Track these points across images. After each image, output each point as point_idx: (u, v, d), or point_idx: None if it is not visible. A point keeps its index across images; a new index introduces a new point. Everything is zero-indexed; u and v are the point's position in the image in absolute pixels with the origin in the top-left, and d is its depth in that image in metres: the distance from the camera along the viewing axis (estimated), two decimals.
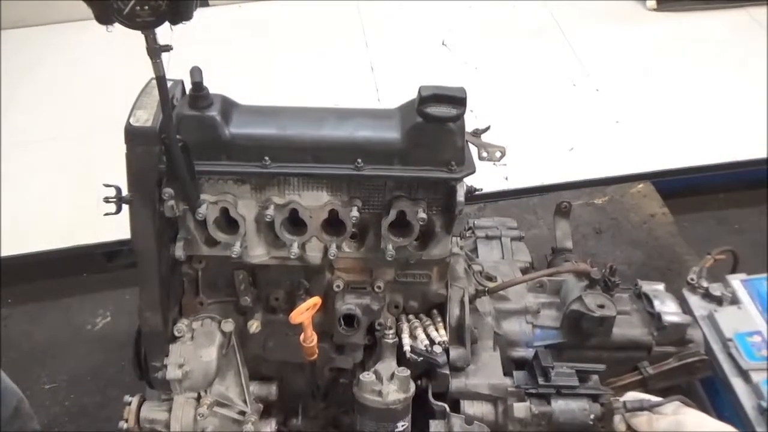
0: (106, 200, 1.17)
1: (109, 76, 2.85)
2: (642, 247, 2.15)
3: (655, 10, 3.30)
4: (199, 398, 1.31)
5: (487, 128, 1.41)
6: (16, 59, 3.17)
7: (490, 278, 1.49)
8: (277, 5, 3.44)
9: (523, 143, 2.51)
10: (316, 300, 1.19)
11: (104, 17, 0.92)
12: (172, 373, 1.26)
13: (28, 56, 3.20)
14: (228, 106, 1.22)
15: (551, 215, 2.24)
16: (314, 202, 1.24)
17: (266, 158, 1.20)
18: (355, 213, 1.21)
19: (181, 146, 1.13)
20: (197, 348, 1.29)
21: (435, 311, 1.36)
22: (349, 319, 1.28)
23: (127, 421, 1.31)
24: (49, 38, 3.28)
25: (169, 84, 1.25)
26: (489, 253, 1.71)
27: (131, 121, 1.17)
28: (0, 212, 2.38)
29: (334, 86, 2.94)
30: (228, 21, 3.37)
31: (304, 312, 1.16)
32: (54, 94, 2.98)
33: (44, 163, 2.63)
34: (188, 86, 1.19)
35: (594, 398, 1.26)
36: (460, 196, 1.22)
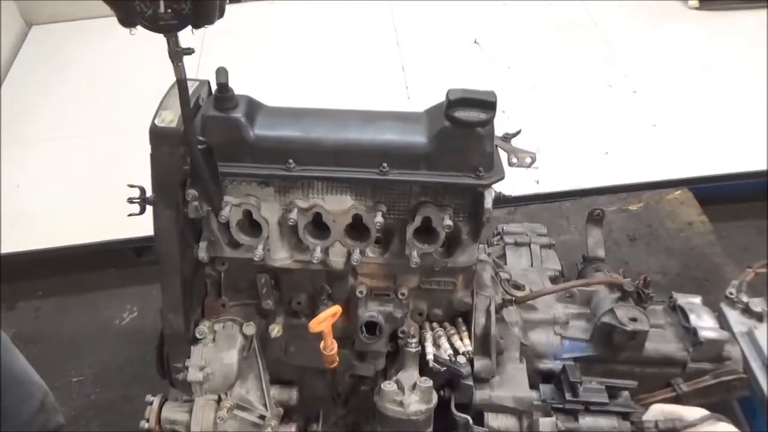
0: (130, 201, 1.16)
1: (140, 74, 2.88)
2: (678, 256, 2.08)
3: (697, 9, 3.19)
4: (219, 401, 1.30)
5: (518, 132, 1.36)
6: (47, 55, 3.22)
7: (518, 287, 1.45)
8: (309, 4, 3.42)
9: (556, 145, 2.45)
10: (336, 309, 1.17)
11: (127, 20, 0.91)
12: (193, 375, 1.25)
13: (58, 52, 3.25)
14: (253, 108, 1.21)
15: (583, 221, 2.18)
16: (338, 206, 1.21)
17: (290, 161, 1.18)
18: (379, 219, 1.18)
19: (204, 148, 1.12)
20: (218, 350, 1.28)
21: (460, 320, 1.33)
22: (372, 327, 1.26)
23: (148, 420, 1.32)
24: (79, 34, 3.32)
25: (194, 85, 1.25)
26: (517, 260, 1.66)
27: (156, 121, 1.16)
28: (32, 206, 2.43)
29: (365, 85, 2.91)
30: (258, 18, 3.37)
31: (324, 321, 1.13)
32: (83, 91, 3.02)
33: (76, 159, 2.67)
34: (214, 87, 1.18)
35: (624, 416, 1.21)
36: (488, 203, 1.19)
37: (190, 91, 1.22)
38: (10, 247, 2.28)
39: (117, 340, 2.17)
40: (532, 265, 1.64)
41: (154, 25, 0.92)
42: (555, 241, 1.72)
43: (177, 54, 0.98)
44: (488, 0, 3.35)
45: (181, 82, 1.03)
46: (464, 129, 1.16)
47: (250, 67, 2.92)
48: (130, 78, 2.91)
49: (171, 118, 1.17)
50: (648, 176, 2.37)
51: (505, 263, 1.67)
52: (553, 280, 1.58)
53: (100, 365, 2.10)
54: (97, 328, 2.20)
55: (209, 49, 2.61)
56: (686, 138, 2.54)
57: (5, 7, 3.13)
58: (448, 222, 1.18)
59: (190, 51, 1.00)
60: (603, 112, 2.71)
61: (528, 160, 1.29)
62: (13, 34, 3.23)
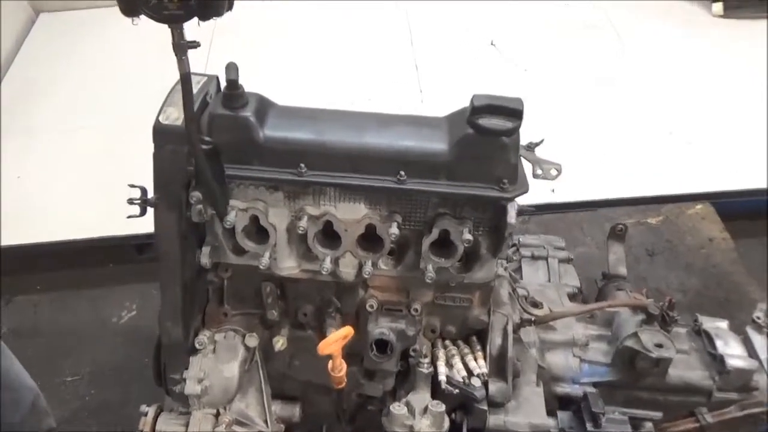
0: (131, 202, 1.09)
1: (150, 64, 2.81)
2: (699, 273, 2.00)
3: (720, 16, 3.10)
4: (218, 415, 1.23)
5: (541, 141, 1.29)
6: (53, 44, 3.15)
7: (535, 304, 1.37)
8: (323, 2, 3.35)
9: (572, 153, 2.37)
10: (347, 331, 1.10)
11: (130, 8, 0.84)
12: (191, 388, 1.19)
13: (66, 41, 3.17)
14: (264, 107, 1.13)
15: (600, 233, 2.12)
16: (351, 215, 1.14)
17: (302, 165, 1.10)
18: (394, 230, 1.11)
19: (210, 149, 1.05)
20: (218, 362, 1.22)
21: (474, 338, 1.26)
22: (382, 345, 1.19)
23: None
24: (88, 23, 3.24)
25: (202, 80, 1.18)
26: (534, 274, 1.59)
27: (160, 119, 1.09)
28: (33, 198, 2.36)
29: (377, 85, 2.83)
30: (270, 14, 3.30)
31: (334, 343, 1.06)
32: (90, 81, 2.95)
33: (79, 151, 2.60)
34: (223, 83, 1.11)
35: None
36: (511, 217, 1.11)
37: (198, 87, 1.15)
38: (9, 239, 2.22)
39: (115, 338, 2.10)
40: (549, 281, 1.57)
41: (158, 15, 0.85)
42: (573, 255, 1.64)
43: (182, 47, 0.91)
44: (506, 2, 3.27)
45: (185, 77, 0.96)
46: (488, 138, 1.09)
47: (261, 63, 2.86)
48: (139, 68, 2.84)
49: (176, 115, 1.10)
50: (667, 189, 2.29)
51: (521, 277, 1.59)
52: (572, 297, 1.51)
53: (97, 365, 2.04)
54: (95, 326, 2.14)
55: (218, 44, 2.57)
56: (708, 149, 2.46)
57: None
58: (468, 236, 1.11)
59: (195, 44, 0.93)
60: (620, 120, 2.62)
61: (553, 172, 1.21)
62: (20, 21, 3.16)
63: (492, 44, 3.02)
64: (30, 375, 1.67)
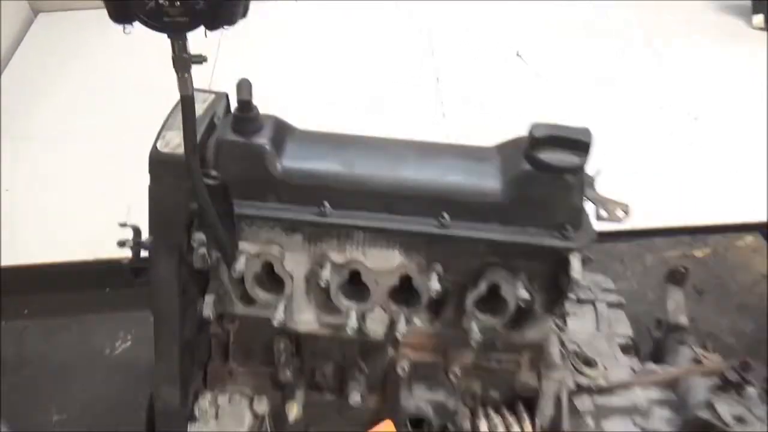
0: (121, 245, 0.92)
1: (154, 70, 2.63)
2: (753, 315, 1.80)
3: (762, 29, 2.91)
4: None
5: (598, 173, 1.11)
6: (51, 45, 2.98)
7: (589, 362, 1.18)
8: (337, 4, 3.17)
9: (606, 176, 2.18)
10: (387, 427, 0.91)
11: (120, 14, 0.67)
12: None
13: (64, 43, 2.99)
14: (281, 132, 0.96)
15: (641, 265, 1.93)
16: (383, 263, 0.96)
17: (326, 203, 0.93)
18: (435, 285, 0.93)
19: (218, 184, 0.87)
20: (222, 430, 1.03)
21: (521, 406, 1.07)
22: (418, 421, 1.00)
23: None
24: (88, 24, 3.04)
25: (209, 98, 1.00)
26: (580, 320, 1.39)
27: (158, 145, 0.91)
28: (21, 214, 2.18)
29: (394, 98, 2.65)
30: (282, 18, 3.12)
31: None
32: (92, 87, 2.76)
33: (73, 162, 2.41)
34: (234, 102, 0.94)
35: None
36: (576, 271, 0.93)
37: (203, 107, 0.98)
38: None
39: (107, 372, 1.91)
40: (598, 329, 1.38)
41: (156, 23, 0.67)
42: (624, 299, 1.45)
43: (184, 62, 0.74)
44: (534, 2, 3.09)
45: (187, 100, 0.78)
46: (550, 175, 0.91)
47: (269, 72, 2.67)
48: (142, 73, 2.64)
49: (177, 141, 0.93)
50: (714, 217, 2.10)
51: (565, 323, 1.40)
52: (625, 349, 1.32)
53: (86, 402, 1.84)
54: (85, 358, 1.94)
55: (226, 48, 2.39)
56: (758, 175, 2.26)
57: None
58: (523, 294, 0.93)
59: (201, 59, 0.75)
60: (658, 139, 2.43)
61: (620, 213, 1.03)
62: (17, 21, 2.99)
63: (518, 55, 2.84)
64: (11, 412, 1.49)
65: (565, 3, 3.13)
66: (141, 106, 2.01)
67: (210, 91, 1.03)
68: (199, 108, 0.96)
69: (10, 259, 2.06)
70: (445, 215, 0.92)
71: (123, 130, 2.42)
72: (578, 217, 0.94)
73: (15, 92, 2.74)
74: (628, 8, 3.11)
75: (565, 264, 0.94)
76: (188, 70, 0.75)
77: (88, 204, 2.21)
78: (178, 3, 0.65)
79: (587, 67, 2.79)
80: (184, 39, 0.72)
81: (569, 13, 3.09)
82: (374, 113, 2.54)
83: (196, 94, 0.81)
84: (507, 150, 0.97)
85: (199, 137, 0.87)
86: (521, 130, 0.94)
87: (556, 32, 2.99)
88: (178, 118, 0.93)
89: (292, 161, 0.94)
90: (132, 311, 2.03)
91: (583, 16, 3.08)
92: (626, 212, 1.03)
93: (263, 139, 0.92)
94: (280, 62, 2.83)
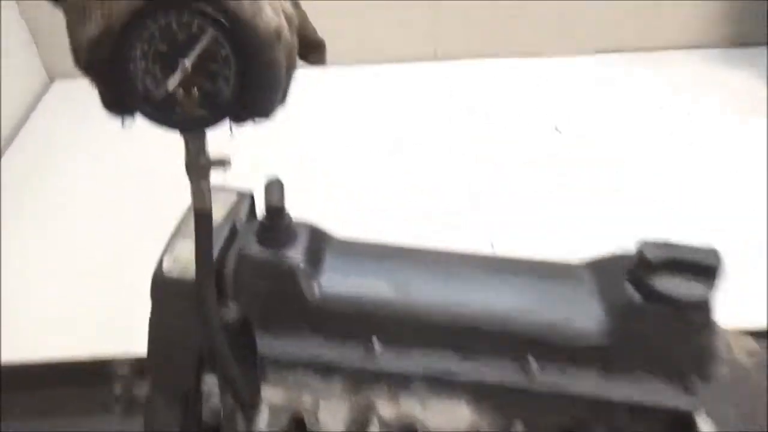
0: (105, 408, 0.72)
1: (177, 147, 2.47)
2: None
3: None
4: None
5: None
6: (66, 115, 2.84)
7: None
8: (366, 69, 3.01)
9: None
10: None
11: (117, 103, 0.48)
12: None
13: (79, 112, 2.83)
14: (318, 244, 0.76)
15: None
16: (447, 421, 0.73)
17: (374, 339, 0.72)
18: None
19: (237, 319, 0.66)
20: None
21: None
22: None
23: None
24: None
25: (230, 199, 0.81)
26: None
27: (165, 264, 0.71)
28: (10, 304, 1.98)
29: (414, 178, 2.45)
30: (306, 88, 2.99)
31: None
32: (104, 162, 2.61)
33: (73, 251, 2.21)
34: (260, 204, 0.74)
35: None
36: None
37: (223, 212, 0.79)
38: None
39: None
40: None
41: (165, 117, 0.48)
42: None
43: (201, 169, 0.54)
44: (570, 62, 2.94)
45: (203, 218, 0.58)
46: (668, 309, 0.70)
47: (295, 151, 2.50)
48: (163, 152, 2.48)
49: (189, 254, 0.73)
50: None
51: None
52: None
53: None
54: None
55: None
56: None
57: (26, 58, 2.80)
58: None
59: (223, 163, 0.56)
60: (716, 228, 2.21)
61: (745, 358, 0.81)
62: (32, 88, 2.88)
63: (557, 130, 2.67)
64: None
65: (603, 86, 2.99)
66: (158, 189, 1.84)
67: (231, 189, 0.84)
68: (217, 211, 0.77)
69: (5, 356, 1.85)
70: (531, 360, 0.71)
71: (135, 216, 2.24)
72: (706, 365, 0.72)
73: (21, 163, 2.59)
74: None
75: (690, 425, 0.71)
76: (206, 176, 0.55)
77: (84, 296, 2.00)
78: (197, 90, 0.46)
79: (635, 146, 2.60)
80: (203, 137, 0.53)
81: (612, 89, 2.94)
82: (402, 189, 2.35)
83: (213, 193, 0.61)
84: (603, 271, 0.77)
85: (216, 252, 0.68)
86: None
87: (600, 110, 2.81)
88: (190, 226, 0.74)
89: (332, 283, 0.74)
90: (135, 414, 1.79)
91: (628, 90, 2.93)
92: (757, 355, 0.81)
93: (297, 254, 0.72)
94: (310, 138, 2.66)
